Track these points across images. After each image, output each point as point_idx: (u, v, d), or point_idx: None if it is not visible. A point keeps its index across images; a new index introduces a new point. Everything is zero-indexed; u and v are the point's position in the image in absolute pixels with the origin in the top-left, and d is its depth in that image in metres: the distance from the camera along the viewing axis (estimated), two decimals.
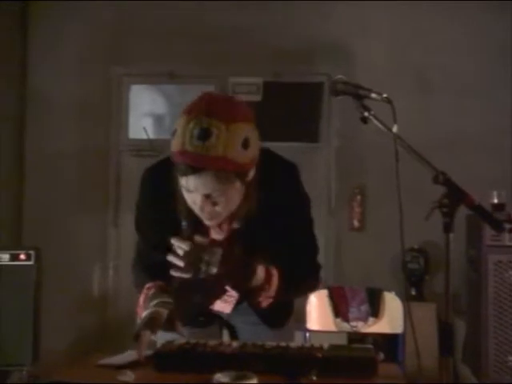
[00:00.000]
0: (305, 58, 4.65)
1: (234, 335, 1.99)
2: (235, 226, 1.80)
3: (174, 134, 1.64)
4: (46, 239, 4.19)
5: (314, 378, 1.56)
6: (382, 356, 1.66)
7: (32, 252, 3.14)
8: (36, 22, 4.77)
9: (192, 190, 1.66)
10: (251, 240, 1.77)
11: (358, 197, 4.55)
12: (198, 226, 1.76)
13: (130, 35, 4.72)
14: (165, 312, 1.72)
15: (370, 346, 1.76)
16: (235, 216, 1.77)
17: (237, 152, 1.60)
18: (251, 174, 1.70)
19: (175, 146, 1.63)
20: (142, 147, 4.73)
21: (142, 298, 1.80)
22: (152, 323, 1.69)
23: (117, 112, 4.77)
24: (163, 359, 1.66)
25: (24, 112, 4.76)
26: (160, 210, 1.82)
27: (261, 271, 1.75)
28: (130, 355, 1.80)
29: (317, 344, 1.73)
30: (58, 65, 4.76)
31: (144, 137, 4.74)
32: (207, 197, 1.66)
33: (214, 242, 1.74)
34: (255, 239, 1.78)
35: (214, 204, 1.68)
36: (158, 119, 4.98)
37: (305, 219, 1.92)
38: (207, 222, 1.75)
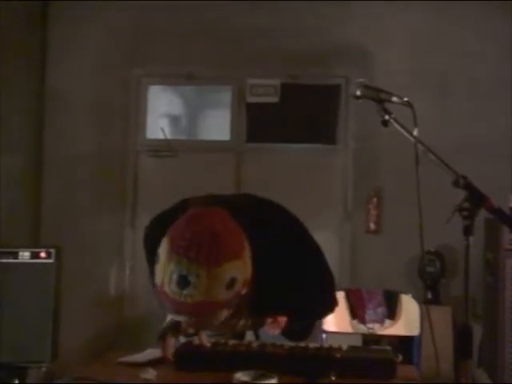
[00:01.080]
0: (323, 60, 4.66)
1: (257, 335, 2.01)
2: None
3: (158, 259, 1.54)
4: (63, 239, 4.22)
5: (333, 378, 1.58)
6: (400, 358, 1.68)
7: (52, 250, 3.18)
8: (56, 22, 4.81)
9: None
10: (260, 299, 1.71)
11: (375, 199, 4.56)
12: None
13: (149, 36, 4.75)
14: None
15: (389, 347, 1.77)
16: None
17: (219, 295, 1.50)
18: (243, 292, 1.57)
19: (157, 276, 1.53)
20: (160, 147, 4.76)
21: None
22: (176, 328, 1.70)
23: (135, 112, 4.80)
24: (184, 358, 1.69)
25: (42, 111, 4.81)
26: None
27: (269, 320, 1.80)
28: (150, 353, 1.83)
29: (335, 345, 1.75)
30: (76, 64, 4.80)
31: (161, 137, 4.78)
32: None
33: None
34: (263, 298, 1.72)
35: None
36: (175, 120, 5.00)
37: (315, 269, 1.87)
38: None
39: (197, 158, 4.73)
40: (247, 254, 1.56)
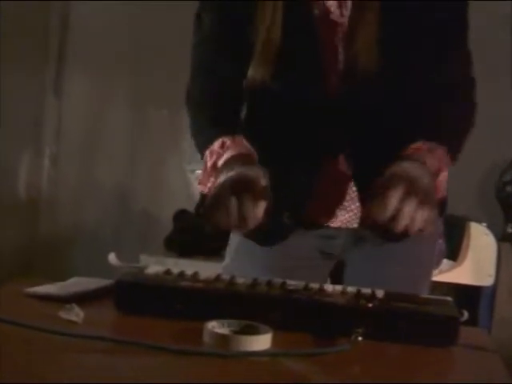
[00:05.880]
0: None
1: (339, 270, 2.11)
2: None
3: None
4: None
5: (360, 338, 1.57)
6: (465, 315, 1.67)
7: None
8: None
9: None
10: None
11: None
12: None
13: None
14: (261, 176, 1.72)
15: (449, 298, 1.76)
16: None
17: None
18: None
19: None
20: None
21: (209, 162, 1.85)
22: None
23: None
24: (129, 295, 1.67)
25: None
26: None
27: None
28: (76, 284, 1.82)
29: (366, 290, 1.74)
30: None
31: None
32: None
33: None
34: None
35: None
36: None
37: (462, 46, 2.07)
38: None
39: None
40: None
